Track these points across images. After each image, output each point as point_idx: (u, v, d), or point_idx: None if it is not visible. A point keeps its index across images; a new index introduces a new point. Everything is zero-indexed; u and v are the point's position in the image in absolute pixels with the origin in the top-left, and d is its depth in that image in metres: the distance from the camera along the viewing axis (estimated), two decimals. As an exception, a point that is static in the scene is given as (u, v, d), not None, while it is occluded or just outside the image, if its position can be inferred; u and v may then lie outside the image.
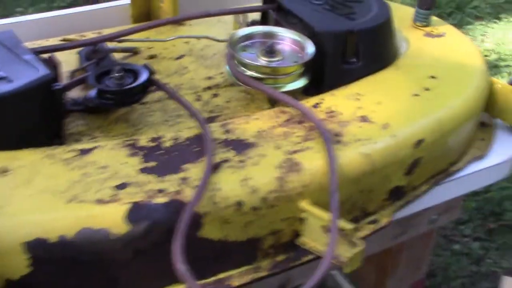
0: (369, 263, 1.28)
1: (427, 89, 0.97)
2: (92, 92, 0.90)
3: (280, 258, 0.83)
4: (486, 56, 2.73)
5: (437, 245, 1.90)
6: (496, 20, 3.01)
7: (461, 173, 1.02)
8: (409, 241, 1.18)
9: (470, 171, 1.02)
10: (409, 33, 1.12)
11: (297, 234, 0.83)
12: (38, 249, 0.70)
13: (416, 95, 0.95)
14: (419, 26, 1.14)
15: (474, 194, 2.08)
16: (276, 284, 0.98)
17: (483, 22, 2.98)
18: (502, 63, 2.68)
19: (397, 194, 0.92)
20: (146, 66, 0.90)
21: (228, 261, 0.81)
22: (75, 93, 0.97)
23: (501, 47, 2.80)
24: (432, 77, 1.00)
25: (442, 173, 0.99)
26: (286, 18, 1.02)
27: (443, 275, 1.81)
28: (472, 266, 1.85)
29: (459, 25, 2.94)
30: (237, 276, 0.81)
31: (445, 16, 3.01)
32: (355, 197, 0.86)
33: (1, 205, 0.72)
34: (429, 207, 1.05)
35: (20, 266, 0.71)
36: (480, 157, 1.05)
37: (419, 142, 0.89)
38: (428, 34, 1.12)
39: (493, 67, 2.66)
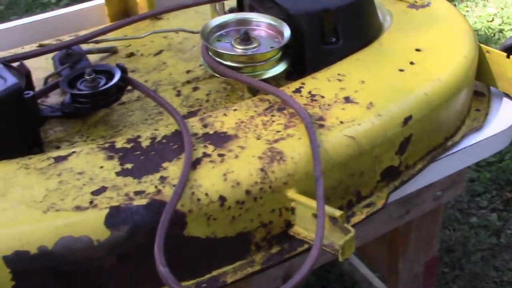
0: (380, 244, 1.26)
1: (412, 63, 0.94)
2: (68, 97, 0.88)
3: (274, 250, 0.81)
4: (489, 21, 2.67)
5: (453, 219, 1.87)
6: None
7: (459, 147, 0.99)
8: (416, 220, 1.15)
9: (468, 144, 0.99)
10: (392, 6, 1.09)
11: (289, 224, 0.81)
12: (18, 262, 0.69)
13: (401, 70, 0.92)
14: (402, -2, 1.10)
15: (488, 164, 2.04)
16: (281, 275, 0.95)
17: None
18: (507, 27, 2.62)
19: (391, 175, 0.89)
20: (119, 66, 0.88)
21: (221, 258, 0.79)
22: (53, 99, 0.95)
23: (504, 11, 2.74)
24: (417, 50, 0.97)
25: (438, 149, 0.96)
26: (261, 2, 0.99)
27: (462, 249, 1.78)
28: (491, 238, 1.81)
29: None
30: (231, 272, 0.79)
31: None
32: (346, 182, 0.84)
33: (-23, 220, 0.70)
34: (431, 184, 1.02)
35: (3, 280, 0.69)
36: (477, 129, 1.01)
37: (406, 120, 0.86)
38: (412, 6, 1.09)
39: (498, 32, 2.60)
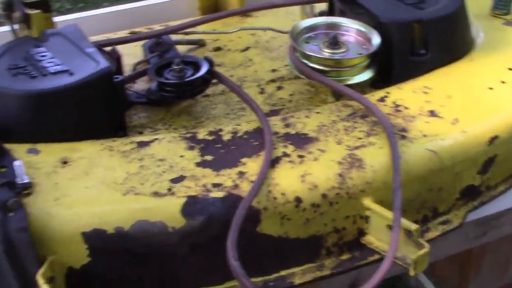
0: (451, 264, 1.23)
1: (503, 82, 0.91)
2: (154, 85, 0.90)
3: (345, 257, 0.81)
4: None
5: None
6: None
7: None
8: (493, 243, 1.12)
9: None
10: (487, 22, 1.06)
11: (362, 233, 0.80)
12: (96, 239, 0.71)
13: (491, 88, 0.90)
14: (498, 14, 1.08)
15: None
16: (347, 282, 0.95)
17: None
18: None
19: (471, 194, 0.87)
20: (207, 59, 0.89)
21: (290, 258, 0.79)
22: (139, 86, 0.97)
23: None
24: (510, 69, 0.94)
25: (523, 172, 0.94)
26: (352, 8, 0.99)
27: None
28: None
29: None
30: (299, 273, 0.79)
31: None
32: (424, 196, 0.82)
33: (61, 195, 0.72)
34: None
35: (80, 255, 0.71)
36: None
37: (492, 139, 0.84)
38: (509, 23, 1.06)
39: None
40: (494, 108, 0.87)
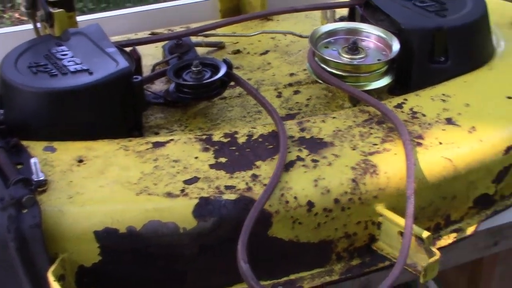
0: (461, 273, 1.22)
1: (522, 92, 0.90)
2: (172, 86, 0.91)
3: (355, 262, 0.81)
4: None
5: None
6: None
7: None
8: (504, 253, 1.11)
9: None
10: (508, 31, 1.05)
11: (373, 239, 0.80)
12: (107, 238, 0.71)
13: (510, 97, 0.90)
14: (519, 24, 1.07)
15: None
16: (356, 288, 0.95)
17: None
18: None
19: (485, 203, 0.86)
20: (225, 61, 0.90)
21: (300, 263, 0.79)
22: (158, 87, 0.98)
23: None
24: (530, 79, 0.93)
25: (538, 182, 0.93)
26: (374, 14, 0.99)
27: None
28: None
29: None
30: (308, 278, 0.79)
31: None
32: (437, 204, 0.82)
33: (74, 193, 0.73)
34: (524, 218, 0.99)
35: (92, 253, 0.72)
36: None
37: (509, 149, 0.84)
38: (529, 33, 1.05)
39: None
40: (511, 118, 0.87)
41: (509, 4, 1.12)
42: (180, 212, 0.72)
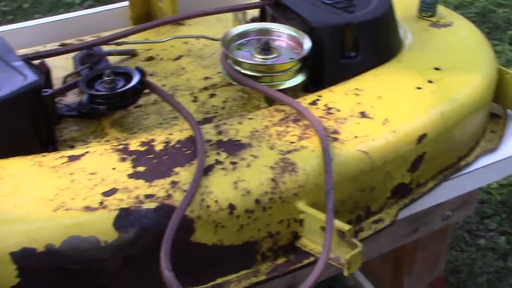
0: (385, 261, 1.25)
1: (430, 82, 0.93)
2: (85, 97, 0.89)
3: (280, 261, 0.81)
4: (510, 44, 2.65)
5: (461, 241, 1.86)
6: (521, 7, 2.94)
7: (472, 167, 0.98)
8: (424, 239, 1.15)
9: (481, 165, 0.99)
10: (414, 24, 1.08)
11: (297, 236, 0.81)
12: (25, 259, 0.69)
13: (419, 88, 0.92)
14: (424, 16, 1.10)
15: (500, 186, 2.03)
16: (284, 286, 0.95)
17: (507, 10, 2.90)
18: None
19: (402, 192, 0.89)
20: (138, 69, 0.89)
21: (226, 266, 0.79)
22: (70, 99, 0.96)
23: (526, 34, 2.74)
24: (437, 68, 0.96)
25: (451, 168, 0.96)
26: (284, 14, 1.00)
27: (468, 271, 1.76)
28: (499, 261, 1.80)
29: (481, 13, 2.86)
30: (235, 281, 0.79)
31: (467, 5, 2.94)
32: (356, 196, 0.83)
33: (-12, 215, 0.71)
34: (441, 204, 1.02)
35: (9, 276, 0.69)
36: (491, 150, 1.01)
37: (421, 138, 0.86)
38: (434, 24, 1.08)
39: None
40: (422, 107, 0.89)
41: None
42: (100, 225, 0.71)
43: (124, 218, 0.71)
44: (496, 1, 2.97)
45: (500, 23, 2.82)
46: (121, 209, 0.72)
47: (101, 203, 0.72)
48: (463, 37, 1.06)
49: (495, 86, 1.01)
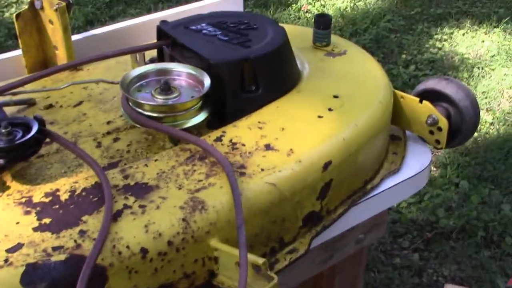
0: (305, 288, 1.26)
1: (330, 110, 0.96)
2: (-18, 151, 0.86)
3: (198, 301, 0.80)
4: (405, 67, 2.78)
5: (377, 261, 1.90)
6: (410, 31, 3.08)
7: (379, 190, 1.01)
8: (340, 264, 1.16)
9: (387, 186, 1.02)
10: (310, 54, 1.11)
11: (213, 274, 0.80)
12: None
13: (320, 116, 0.94)
14: (319, 46, 1.13)
15: (409, 205, 2.10)
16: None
17: (398, 35, 3.04)
18: (420, 73, 2.73)
19: (313, 220, 0.90)
20: (36, 118, 0.86)
21: (143, 311, 0.77)
22: (-32, 154, 0.92)
23: (417, 57, 2.86)
24: (335, 96, 0.99)
25: (359, 192, 0.98)
26: (181, 52, 1.00)
27: (386, 291, 1.81)
28: (414, 278, 1.85)
29: (375, 39, 2.98)
30: (154, 325, 0.77)
31: (361, 32, 3.06)
32: (269, 228, 0.84)
33: None
34: (352, 228, 1.04)
35: None
36: (395, 171, 1.04)
37: (326, 165, 0.88)
38: (329, 54, 1.12)
39: (413, 77, 2.70)
40: (325, 135, 0.91)
41: (309, 29, 1.18)
42: (6, 284, 0.68)
43: (31, 273, 0.69)
44: (387, 27, 3.10)
45: (394, 48, 2.94)
46: (28, 265, 0.69)
47: (6, 260, 0.70)
48: (357, 64, 1.10)
49: (392, 109, 1.05)
